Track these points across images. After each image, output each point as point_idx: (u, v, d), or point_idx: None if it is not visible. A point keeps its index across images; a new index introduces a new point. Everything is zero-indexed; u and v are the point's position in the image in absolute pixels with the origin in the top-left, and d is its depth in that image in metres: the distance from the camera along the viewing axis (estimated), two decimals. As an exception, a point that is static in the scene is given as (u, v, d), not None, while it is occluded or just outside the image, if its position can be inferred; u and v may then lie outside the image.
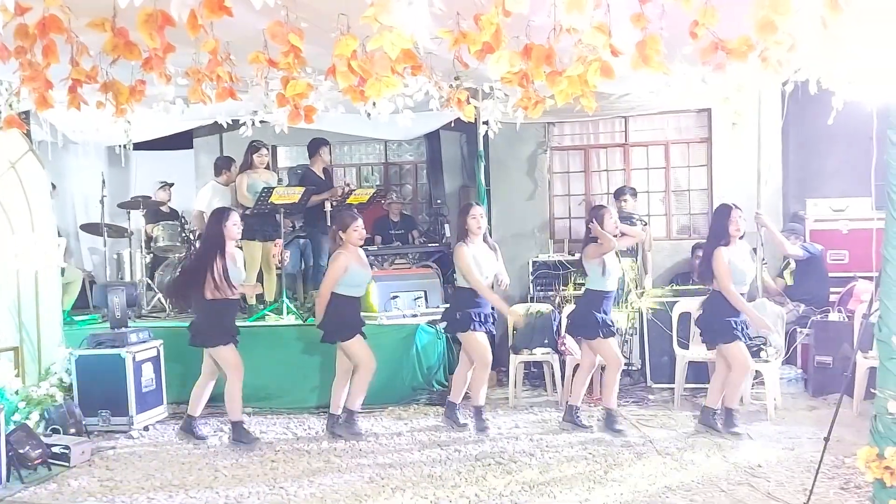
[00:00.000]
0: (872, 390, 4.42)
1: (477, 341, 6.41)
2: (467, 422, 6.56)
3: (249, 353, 6.71)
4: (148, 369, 6.87)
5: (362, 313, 6.74)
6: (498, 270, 6.54)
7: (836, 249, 8.13)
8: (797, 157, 9.07)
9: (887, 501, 4.03)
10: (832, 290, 7.85)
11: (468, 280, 6.37)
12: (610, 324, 6.35)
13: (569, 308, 7.35)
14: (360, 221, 6.44)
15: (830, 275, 8.02)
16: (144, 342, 6.96)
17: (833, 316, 7.39)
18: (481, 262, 6.40)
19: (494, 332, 6.78)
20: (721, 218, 6.19)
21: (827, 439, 4.80)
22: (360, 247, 6.53)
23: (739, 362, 6.10)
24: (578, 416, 6.48)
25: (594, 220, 6.28)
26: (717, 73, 3.67)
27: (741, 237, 6.21)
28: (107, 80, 4.31)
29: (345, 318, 6.35)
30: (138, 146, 8.91)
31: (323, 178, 8.89)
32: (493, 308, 6.50)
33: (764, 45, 3.38)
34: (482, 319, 6.42)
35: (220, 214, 6.30)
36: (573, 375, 6.78)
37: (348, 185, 8.98)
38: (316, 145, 8.99)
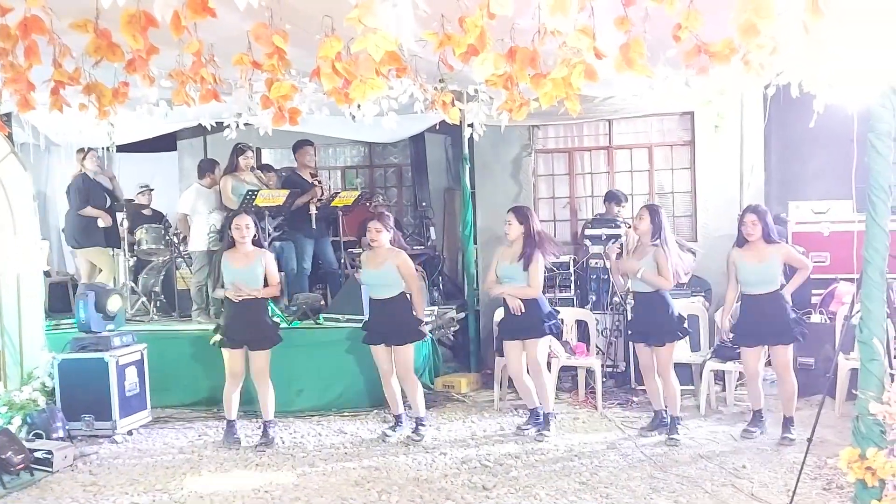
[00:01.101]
0: (854, 391, 4.45)
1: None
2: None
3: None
4: (131, 373, 6.83)
5: (348, 316, 6.73)
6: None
7: (817, 251, 8.16)
8: (779, 159, 9.12)
9: (869, 502, 4.06)
10: (814, 292, 7.88)
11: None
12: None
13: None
14: (372, 222, 6.48)
15: (812, 277, 8.05)
16: (128, 346, 6.92)
17: (815, 318, 7.44)
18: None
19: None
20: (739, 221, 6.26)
21: (810, 440, 4.83)
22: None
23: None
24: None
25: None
26: (700, 77, 3.69)
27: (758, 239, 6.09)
28: (89, 82, 4.28)
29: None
30: (121, 148, 8.86)
31: (309, 180, 8.87)
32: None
33: (746, 49, 3.40)
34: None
35: (227, 218, 6.36)
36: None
37: (319, 181, 8.93)
38: (298, 146, 8.97)
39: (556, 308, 6.79)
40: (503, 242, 6.54)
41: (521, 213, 6.39)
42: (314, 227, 8.60)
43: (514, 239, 6.35)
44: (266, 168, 9.27)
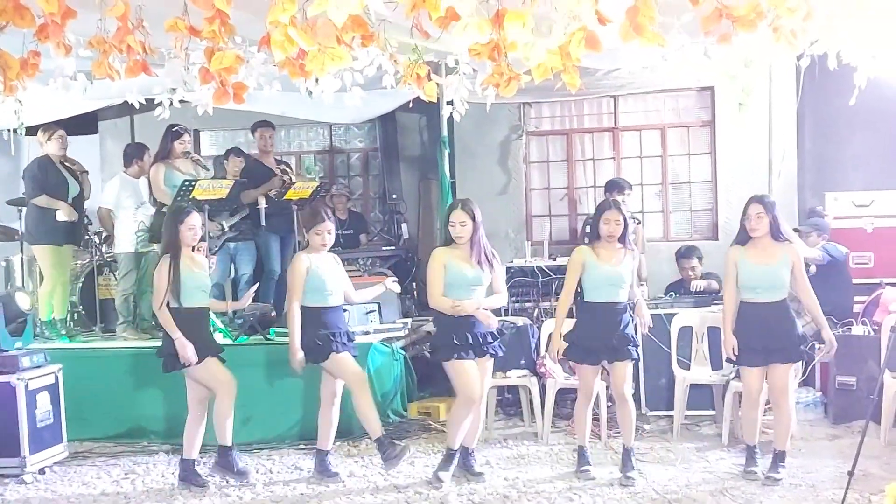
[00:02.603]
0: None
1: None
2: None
3: (167, 379, 6.63)
4: (44, 400, 6.76)
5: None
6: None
7: (859, 251, 8.24)
8: (814, 143, 9.20)
9: (920, 544, 4.11)
10: (856, 298, 7.95)
11: None
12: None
13: (549, 323, 7.40)
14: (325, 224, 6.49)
15: (854, 281, 8.13)
16: (39, 367, 6.85)
17: (857, 329, 7.48)
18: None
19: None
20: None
21: (851, 473, 4.87)
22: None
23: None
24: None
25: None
26: (721, 46, 3.72)
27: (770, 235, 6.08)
28: (-8, 52, 4.25)
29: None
30: (31, 131, 8.78)
31: (273, 168, 8.87)
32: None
33: (776, 13, 3.43)
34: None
35: (175, 216, 6.30)
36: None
37: (284, 170, 8.93)
38: (255, 128, 9.00)
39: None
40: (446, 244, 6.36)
41: (471, 210, 6.22)
42: (263, 223, 8.58)
43: (467, 241, 6.20)
44: (235, 152, 9.20)
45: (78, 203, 8.54)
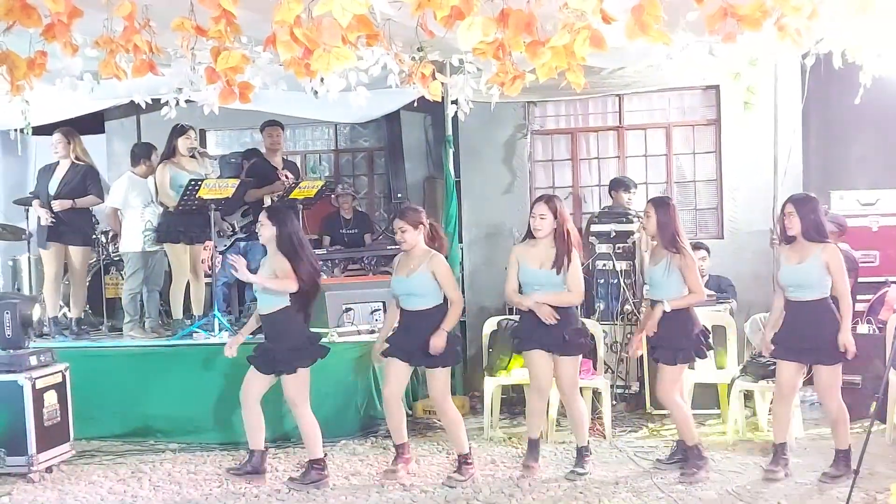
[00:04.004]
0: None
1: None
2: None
3: (174, 377, 6.67)
4: (51, 398, 6.77)
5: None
6: None
7: (864, 250, 8.23)
8: (819, 142, 9.19)
9: (926, 543, 4.10)
10: (860, 297, 7.94)
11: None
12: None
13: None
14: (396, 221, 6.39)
15: (859, 280, 8.12)
16: (47, 366, 6.86)
17: (862, 328, 7.48)
18: None
19: None
20: None
21: (856, 472, 4.87)
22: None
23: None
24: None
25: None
26: (726, 44, 3.72)
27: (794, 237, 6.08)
28: (0, 52, 4.26)
29: None
30: (38, 131, 8.79)
31: (280, 169, 8.89)
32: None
33: (781, 11, 3.43)
34: None
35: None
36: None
37: (287, 174, 8.95)
38: (263, 127, 9.05)
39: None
40: (517, 241, 6.44)
41: (553, 204, 6.19)
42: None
43: (545, 236, 6.18)
44: (253, 152, 9.24)
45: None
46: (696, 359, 6.36)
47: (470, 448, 6.33)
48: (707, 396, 7.51)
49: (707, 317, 7.47)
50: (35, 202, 8.30)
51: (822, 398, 6.13)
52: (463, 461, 6.27)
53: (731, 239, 9.23)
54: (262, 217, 6.29)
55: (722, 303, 8.13)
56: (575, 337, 6.20)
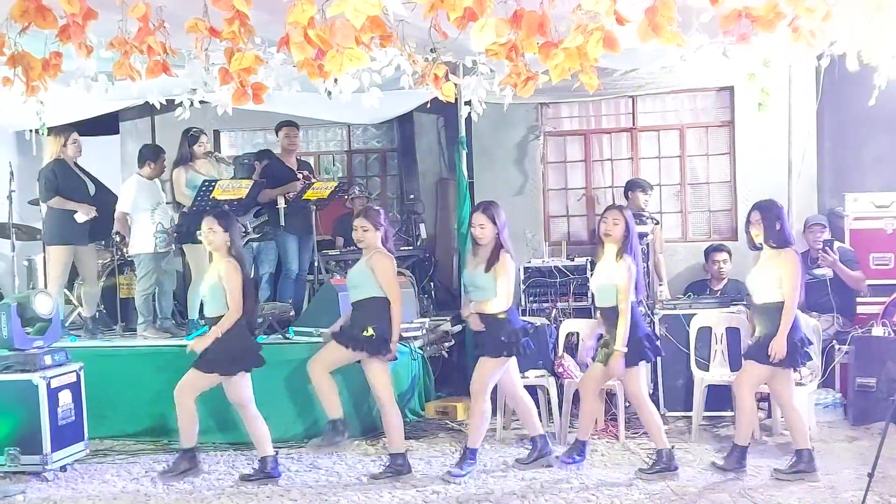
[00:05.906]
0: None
1: None
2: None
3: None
4: (66, 398, 6.80)
5: (323, 329, 6.76)
6: None
7: (879, 252, 8.20)
8: (834, 143, 9.15)
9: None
10: (875, 299, 7.92)
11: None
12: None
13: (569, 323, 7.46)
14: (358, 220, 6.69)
15: (872, 282, 8.10)
16: (61, 365, 6.89)
17: (877, 330, 7.44)
18: None
19: None
20: None
21: (871, 475, 4.84)
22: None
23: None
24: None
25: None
26: (740, 46, 3.71)
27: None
28: (15, 52, 4.27)
29: None
30: (53, 131, 8.83)
31: (294, 169, 8.91)
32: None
33: (795, 13, 3.42)
34: None
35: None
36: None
37: (304, 175, 8.96)
38: (279, 127, 9.08)
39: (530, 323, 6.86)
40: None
41: (491, 212, 6.37)
42: (282, 223, 8.62)
43: (487, 244, 6.36)
44: (265, 153, 9.28)
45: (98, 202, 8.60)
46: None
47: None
48: (720, 398, 7.46)
49: (723, 319, 7.46)
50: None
51: (780, 405, 6.37)
52: (392, 461, 6.44)
53: (745, 241, 9.19)
54: (212, 223, 6.31)
55: (736, 304, 8.09)
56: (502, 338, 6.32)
